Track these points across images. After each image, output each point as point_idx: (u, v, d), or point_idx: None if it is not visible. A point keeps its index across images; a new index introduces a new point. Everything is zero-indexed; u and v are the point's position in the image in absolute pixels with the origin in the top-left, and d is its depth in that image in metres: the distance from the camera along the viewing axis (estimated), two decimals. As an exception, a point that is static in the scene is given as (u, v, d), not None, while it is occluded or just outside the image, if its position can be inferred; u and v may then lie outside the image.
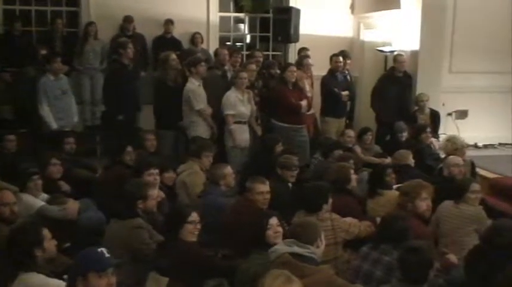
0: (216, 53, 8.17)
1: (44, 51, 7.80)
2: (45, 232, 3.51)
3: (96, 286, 2.86)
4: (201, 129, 7.11)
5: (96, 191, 5.94)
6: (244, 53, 9.69)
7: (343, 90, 8.31)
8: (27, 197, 4.83)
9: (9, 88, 8.43)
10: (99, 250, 3.08)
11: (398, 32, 8.71)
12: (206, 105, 7.13)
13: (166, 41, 9.18)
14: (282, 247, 3.57)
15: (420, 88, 8.26)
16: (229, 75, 7.73)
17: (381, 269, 3.88)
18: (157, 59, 8.35)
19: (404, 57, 8.18)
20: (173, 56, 7.30)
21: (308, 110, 7.81)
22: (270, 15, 10.02)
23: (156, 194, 4.70)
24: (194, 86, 7.08)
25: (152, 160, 5.92)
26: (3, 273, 3.36)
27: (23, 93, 7.67)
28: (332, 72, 8.39)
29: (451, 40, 8.73)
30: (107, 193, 5.66)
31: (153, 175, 5.33)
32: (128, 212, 4.34)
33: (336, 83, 8.33)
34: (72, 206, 5.06)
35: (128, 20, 9.03)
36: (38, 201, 4.94)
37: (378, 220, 4.70)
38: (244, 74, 7.14)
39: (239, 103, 7.09)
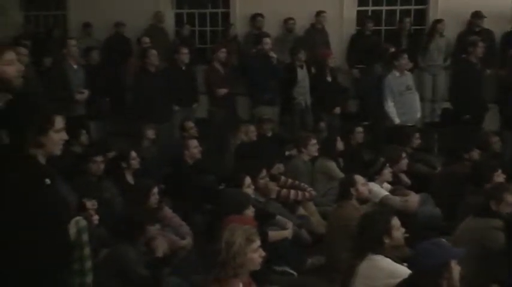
0: None
1: (391, 49, 8.14)
2: (395, 221, 3.72)
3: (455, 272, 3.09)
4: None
5: (435, 187, 6.01)
6: None
7: None
8: (373, 186, 5.17)
9: (357, 83, 9.10)
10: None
11: None
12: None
13: (517, 37, 8.64)
14: None
15: None
16: None
17: None
18: (506, 56, 7.96)
19: None
20: (527, 53, 6.85)
21: None
22: None
23: None
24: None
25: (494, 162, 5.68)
26: (356, 252, 3.71)
27: (369, 88, 8.17)
28: None
29: None
30: (446, 190, 5.71)
31: (500, 176, 5.11)
32: (485, 211, 4.25)
33: None
34: (413, 199, 5.23)
35: (477, 15, 8.75)
36: (382, 190, 5.26)
37: None
38: None
39: None
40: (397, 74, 7.54)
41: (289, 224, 5.08)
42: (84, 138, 6.32)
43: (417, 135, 6.82)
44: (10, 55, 2.98)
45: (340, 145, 6.52)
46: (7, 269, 2.71)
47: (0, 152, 2.80)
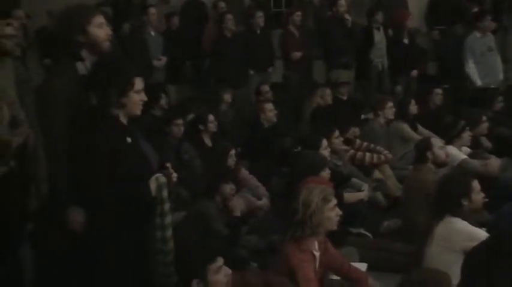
0: None
1: (474, 9, 7.82)
2: (475, 184, 3.64)
3: None
4: None
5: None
6: None
7: None
8: (451, 149, 5.05)
9: (436, 45, 8.81)
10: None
11: None
12: None
13: None
14: None
15: None
16: None
17: None
18: None
19: None
20: None
21: None
22: None
23: None
24: None
25: None
26: (433, 214, 3.67)
27: (450, 50, 7.90)
28: None
29: None
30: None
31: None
32: None
33: None
34: (494, 163, 5.10)
35: None
36: (461, 154, 5.14)
37: None
38: None
39: None
40: (479, 35, 7.28)
41: (365, 187, 5.09)
42: (163, 102, 6.51)
43: (500, 98, 6.57)
44: (100, 19, 3.10)
45: (413, 108, 6.34)
46: (95, 222, 2.90)
47: (88, 112, 2.97)
